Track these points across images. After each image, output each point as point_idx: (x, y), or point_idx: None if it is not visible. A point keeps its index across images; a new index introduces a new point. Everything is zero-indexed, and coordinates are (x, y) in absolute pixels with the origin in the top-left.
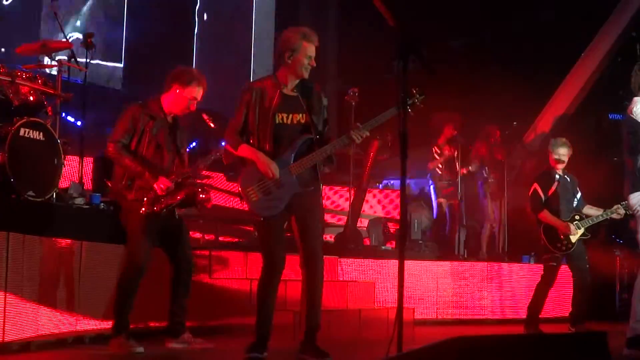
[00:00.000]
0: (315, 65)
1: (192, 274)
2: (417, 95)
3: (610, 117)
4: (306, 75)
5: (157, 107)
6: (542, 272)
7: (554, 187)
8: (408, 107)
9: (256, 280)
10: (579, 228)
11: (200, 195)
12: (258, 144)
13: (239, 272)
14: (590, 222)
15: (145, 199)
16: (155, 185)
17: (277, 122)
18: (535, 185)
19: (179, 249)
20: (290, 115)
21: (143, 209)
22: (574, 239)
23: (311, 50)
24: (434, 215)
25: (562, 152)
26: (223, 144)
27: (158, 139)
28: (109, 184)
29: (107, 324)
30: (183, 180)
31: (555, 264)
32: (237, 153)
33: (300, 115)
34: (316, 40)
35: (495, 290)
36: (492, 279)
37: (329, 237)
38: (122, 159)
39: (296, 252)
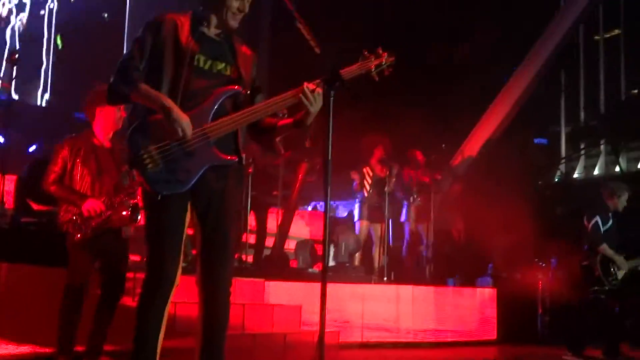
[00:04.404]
0: (246, 11)
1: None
2: (386, 57)
3: (535, 142)
4: (234, 24)
5: (90, 137)
6: (585, 306)
7: (609, 224)
8: (374, 72)
9: (183, 304)
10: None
11: (128, 213)
12: (165, 93)
13: None
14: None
15: (70, 224)
16: (82, 208)
17: (194, 64)
18: (597, 218)
19: (115, 269)
20: (211, 61)
21: (78, 235)
22: (620, 275)
23: None
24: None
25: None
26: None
27: (91, 168)
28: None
29: (28, 348)
30: (115, 199)
31: (604, 297)
32: (132, 96)
33: (223, 65)
34: None
35: (421, 313)
36: (418, 301)
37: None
38: (57, 193)
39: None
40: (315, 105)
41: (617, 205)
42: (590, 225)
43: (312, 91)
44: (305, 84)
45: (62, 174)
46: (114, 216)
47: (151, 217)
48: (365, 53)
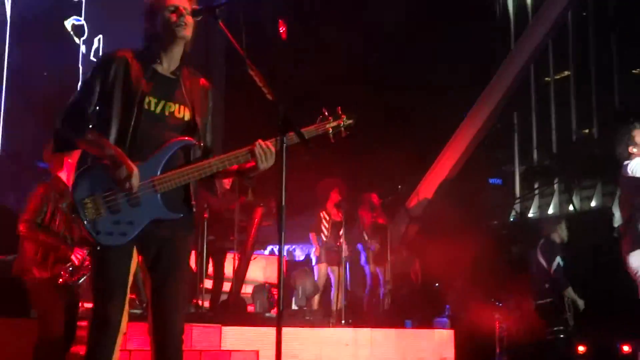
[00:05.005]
0: (187, 17)
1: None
2: (345, 119)
3: (490, 182)
4: (181, 33)
5: (61, 184)
6: (545, 346)
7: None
8: (332, 133)
9: (139, 352)
10: None
11: None
12: (113, 139)
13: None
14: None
15: (62, 270)
16: (72, 256)
17: (144, 107)
18: (559, 259)
19: (72, 317)
20: (163, 103)
21: (60, 279)
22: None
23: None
24: (315, 280)
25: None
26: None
27: (69, 215)
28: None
29: None
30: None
31: (563, 336)
32: (79, 144)
33: (178, 106)
34: None
35: (379, 356)
36: (376, 344)
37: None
38: (36, 235)
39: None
40: (266, 162)
41: (562, 236)
42: (553, 269)
43: (267, 148)
44: (260, 140)
45: (41, 219)
46: None
47: (94, 264)
48: (325, 113)
